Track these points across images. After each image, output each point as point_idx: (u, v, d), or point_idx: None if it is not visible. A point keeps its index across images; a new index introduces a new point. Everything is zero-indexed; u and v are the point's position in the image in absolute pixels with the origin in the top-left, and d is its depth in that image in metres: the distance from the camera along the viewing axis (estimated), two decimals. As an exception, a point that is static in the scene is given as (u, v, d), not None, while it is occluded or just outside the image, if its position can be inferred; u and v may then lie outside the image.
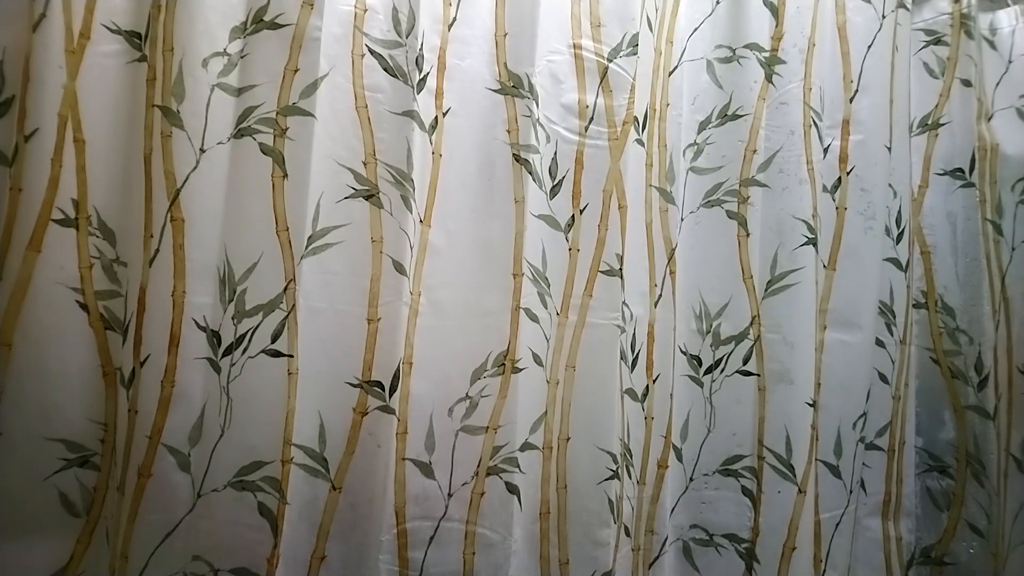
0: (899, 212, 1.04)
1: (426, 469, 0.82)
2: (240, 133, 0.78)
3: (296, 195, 0.77)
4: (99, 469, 0.76)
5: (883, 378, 1.03)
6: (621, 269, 0.89)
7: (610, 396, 0.88)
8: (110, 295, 0.77)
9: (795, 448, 0.94)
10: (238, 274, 0.77)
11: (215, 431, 0.76)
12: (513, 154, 0.86)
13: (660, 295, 0.96)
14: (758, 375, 0.97)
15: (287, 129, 0.78)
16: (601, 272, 0.89)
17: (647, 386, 0.94)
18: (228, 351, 0.76)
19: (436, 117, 0.86)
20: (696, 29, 1.01)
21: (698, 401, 0.99)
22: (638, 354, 0.94)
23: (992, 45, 1.13)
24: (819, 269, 0.98)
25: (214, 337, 0.76)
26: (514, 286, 0.85)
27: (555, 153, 0.89)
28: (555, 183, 0.89)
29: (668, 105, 0.98)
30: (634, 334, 0.93)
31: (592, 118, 0.90)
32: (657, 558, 0.95)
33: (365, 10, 0.82)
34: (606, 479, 0.86)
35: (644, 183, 0.95)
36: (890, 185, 1.03)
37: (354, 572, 0.78)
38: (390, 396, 0.79)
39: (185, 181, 0.75)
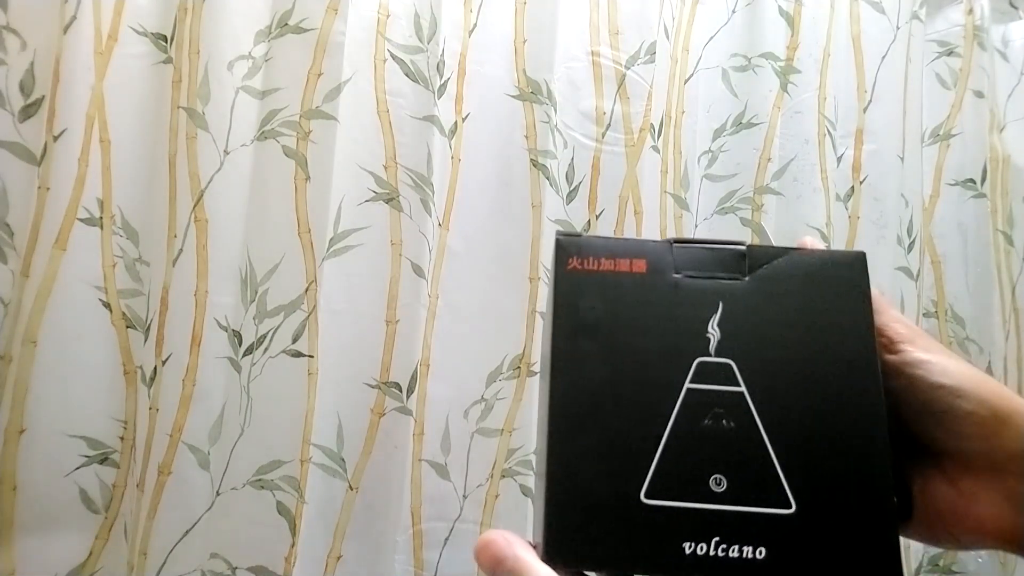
0: (911, 221, 1.05)
1: (442, 470, 0.83)
2: (264, 135, 0.79)
3: (318, 197, 0.78)
4: (119, 466, 0.77)
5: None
6: (636, 275, 0.89)
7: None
8: (132, 294, 0.77)
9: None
10: (260, 275, 0.78)
11: (235, 430, 0.76)
12: (531, 159, 0.87)
13: (674, 301, 0.96)
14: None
15: (310, 132, 0.79)
16: (616, 277, 0.89)
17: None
18: (249, 351, 0.77)
19: (456, 122, 0.87)
20: (712, 38, 1.02)
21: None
22: (651, 359, 0.94)
23: (1004, 57, 1.14)
24: (832, 277, 0.98)
25: (235, 337, 0.77)
26: (530, 290, 0.85)
27: (572, 159, 0.90)
28: (572, 188, 0.90)
29: (684, 112, 0.99)
30: (648, 339, 0.94)
31: (609, 124, 0.91)
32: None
33: (388, 15, 0.83)
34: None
35: (659, 189, 0.95)
36: (902, 195, 1.03)
37: (370, 571, 0.79)
38: (407, 397, 0.80)
39: (209, 182, 0.75)
